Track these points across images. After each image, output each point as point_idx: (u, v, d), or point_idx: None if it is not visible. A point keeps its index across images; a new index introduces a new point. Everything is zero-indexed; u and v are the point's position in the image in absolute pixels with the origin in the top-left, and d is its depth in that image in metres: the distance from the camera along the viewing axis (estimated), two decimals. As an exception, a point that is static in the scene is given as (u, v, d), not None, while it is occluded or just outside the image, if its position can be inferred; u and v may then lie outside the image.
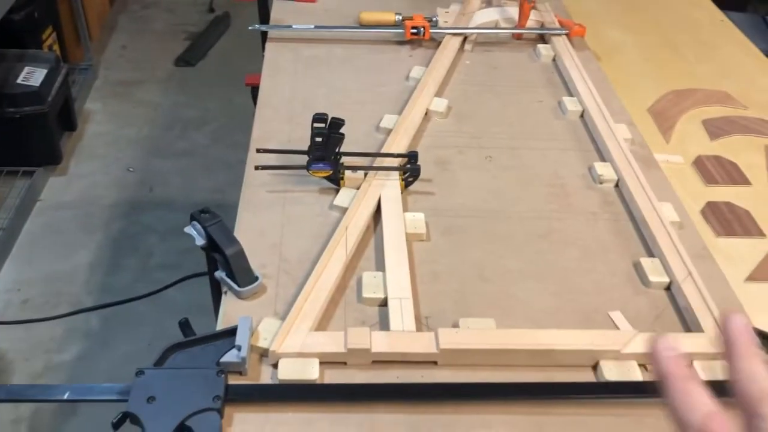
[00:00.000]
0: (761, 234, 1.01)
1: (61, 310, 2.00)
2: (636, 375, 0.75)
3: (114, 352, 1.91)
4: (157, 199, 2.44)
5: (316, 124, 0.91)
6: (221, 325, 0.77)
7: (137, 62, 3.17)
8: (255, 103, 1.18)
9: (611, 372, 0.75)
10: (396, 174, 0.98)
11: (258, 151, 0.99)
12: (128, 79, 3.04)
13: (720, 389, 0.74)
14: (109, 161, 2.58)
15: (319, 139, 0.92)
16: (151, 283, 2.09)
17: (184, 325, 0.80)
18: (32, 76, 2.33)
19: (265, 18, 1.48)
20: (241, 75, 1.68)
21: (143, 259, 2.20)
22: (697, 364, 0.76)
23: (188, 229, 0.83)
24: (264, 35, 1.36)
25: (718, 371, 0.75)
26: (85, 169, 2.54)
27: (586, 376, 0.76)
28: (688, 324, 0.82)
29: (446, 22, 1.38)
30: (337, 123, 0.91)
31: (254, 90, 1.38)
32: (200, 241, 0.82)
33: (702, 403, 0.38)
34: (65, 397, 0.69)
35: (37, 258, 2.17)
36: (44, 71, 2.36)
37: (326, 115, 0.91)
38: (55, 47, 2.71)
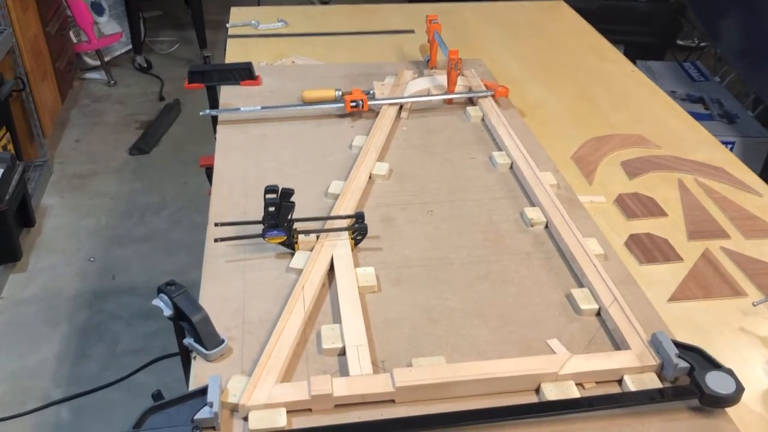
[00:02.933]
0: (679, 258, 1.12)
1: (30, 405, 2.00)
2: (573, 393, 0.83)
3: (86, 443, 1.91)
4: (120, 287, 2.48)
5: (268, 195, 1.00)
6: (193, 386, 0.83)
7: (91, 154, 3.24)
8: (210, 182, 1.26)
9: (551, 392, 0.83)
10: (346, 234, 1.06)
11: (216, 225, 1.07)
12: (83, 172, 3.11)
13: (648, 398, 0.83)
14: (69, 253, 2.61)
15: (271, 209, 1.00)
16: (120, 369, 2.11)
17: (157, 396, 0.85)
18: (-12, 176, 2.38)
19: (214, 103, 1.57)
20: (194, 158, 1.76)
21: (110, 347, 2.22)
22: (627, 377, 0.85)
23: (156, 301, 0.89)
24: (215, 119, 1.46)
25: (646, 382, 0.84)
26: (46, 263, 2.56)
27: (530, 399, 0.83)
28: (618, 343, 0.91)
29: (382, 93, 1.50)
30: (287, 192, 1.00)
31: (209, 170, 1.47)
32: (168, 312, 0.89)
33: None
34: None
35: (2, 355, 2.17)
36: (0, 171, 2.41)
37: (277, 186, 1.00)
38: (9, 146, 2.77)
